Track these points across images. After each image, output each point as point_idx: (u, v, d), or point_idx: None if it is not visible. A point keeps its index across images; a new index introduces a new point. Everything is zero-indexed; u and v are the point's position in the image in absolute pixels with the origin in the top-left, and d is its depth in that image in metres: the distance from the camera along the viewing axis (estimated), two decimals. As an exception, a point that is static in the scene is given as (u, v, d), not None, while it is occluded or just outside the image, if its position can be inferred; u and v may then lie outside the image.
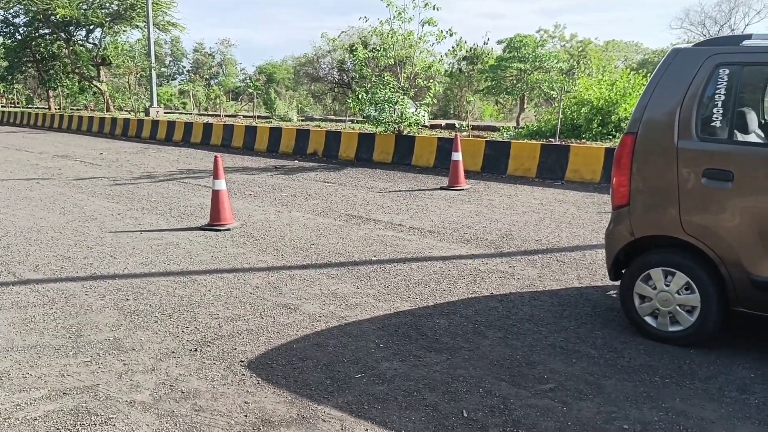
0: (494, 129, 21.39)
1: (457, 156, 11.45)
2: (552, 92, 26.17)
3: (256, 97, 43.93)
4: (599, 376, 3.96)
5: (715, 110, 4.17)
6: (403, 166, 14.51)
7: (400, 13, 15.09)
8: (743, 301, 4.13)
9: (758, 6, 48.10)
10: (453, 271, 6.24)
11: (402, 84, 15.72)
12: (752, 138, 4.73)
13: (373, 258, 6.70)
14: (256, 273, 6.17)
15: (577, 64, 38.53)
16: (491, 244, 7.31)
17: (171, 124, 22.77)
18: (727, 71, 4.14)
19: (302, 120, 27.72)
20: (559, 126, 14.84)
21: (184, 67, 69.28)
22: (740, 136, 4.52)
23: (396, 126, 15.49)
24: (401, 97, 15.34)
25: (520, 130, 18.99)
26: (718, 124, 4.18)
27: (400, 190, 11.24)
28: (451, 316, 5.00)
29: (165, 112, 32.30)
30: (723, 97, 4.15)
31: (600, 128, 14.59)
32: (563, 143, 13.21)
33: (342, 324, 4.84)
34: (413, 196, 10.58)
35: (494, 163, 13.19)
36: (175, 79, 66.85)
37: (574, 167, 11.95)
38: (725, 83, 4.14)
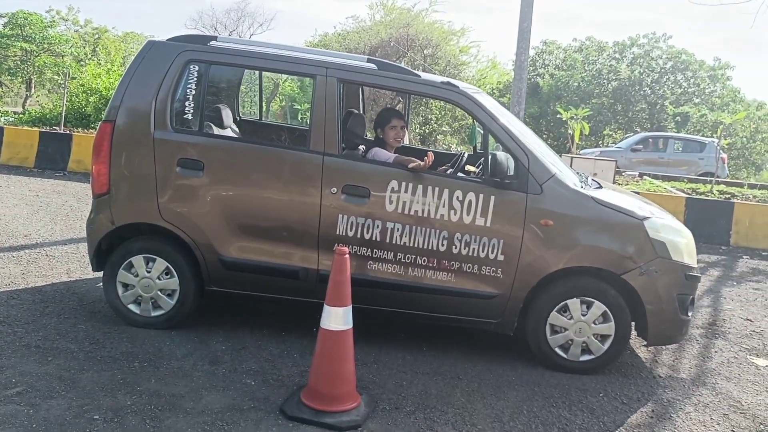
0: (-11, 113, 18.82)
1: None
2: (57, 77, 24.37)
3: None
4: (76, 371, 3.82)
5: (187, 104, 4.41)
6: None
7: None
8: (216, 281, 4.49)
9: (261, 19, 53.70)
10: None
11: None
12: (227, 132, 5.19)
13: None
14: None
15: (93, 52, 36.72)
16: (-32, 241, 6.40)
17: None
18: (197, 68, 4.43)
19: None
20: (63, 114, 13.91)
21: None
22: (216, 130, 4.91)
23: None
24: None
25: (21, 116, 17.19)
26: (190, 117, 4.44)
27: None
28: None
29: None
30: (194, 92, 4.42)
31: (109, 118, 14.21)
32: (67, 132, 12.44)
33: None
34: None
35: (-16, 151, 11.60)
36: None
37: (77, 157, 11.32)
38: (195, 79, 4.41)
